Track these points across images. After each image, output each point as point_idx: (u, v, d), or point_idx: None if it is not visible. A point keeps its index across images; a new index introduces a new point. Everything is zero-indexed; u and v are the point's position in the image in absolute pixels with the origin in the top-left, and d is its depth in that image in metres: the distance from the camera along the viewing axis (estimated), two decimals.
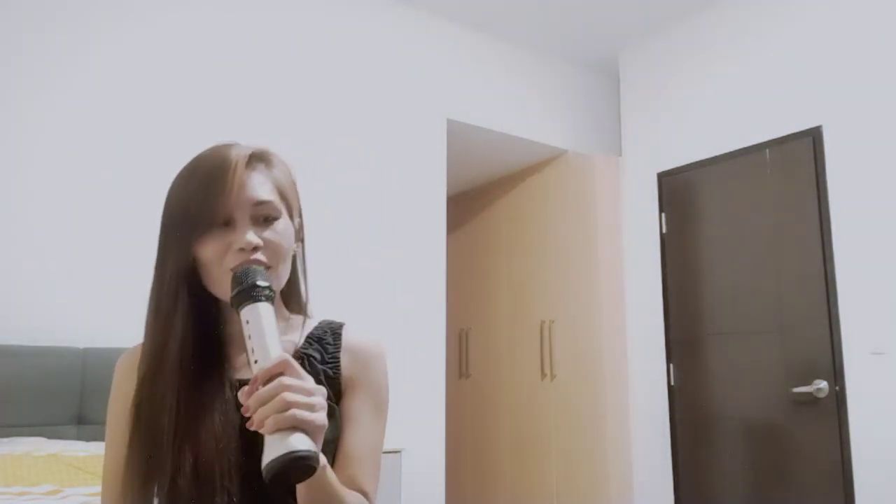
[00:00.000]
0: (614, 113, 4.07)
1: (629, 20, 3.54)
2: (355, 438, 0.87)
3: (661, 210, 3.50)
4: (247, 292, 0.74)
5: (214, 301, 0.86)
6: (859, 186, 2.72)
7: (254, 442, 0.73)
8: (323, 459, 0.73)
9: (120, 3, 2.60)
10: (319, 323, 0.96)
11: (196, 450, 0.79)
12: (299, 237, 0.94)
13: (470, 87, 3.54)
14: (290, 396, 0.66)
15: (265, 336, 0.71)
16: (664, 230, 3.48)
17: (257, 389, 0.68)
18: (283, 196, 0.89)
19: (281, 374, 0.68)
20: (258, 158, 0.89)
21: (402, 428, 2.77)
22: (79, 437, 2.10)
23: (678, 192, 3.45)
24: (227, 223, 0.83)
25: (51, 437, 2.01)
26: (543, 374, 3.80)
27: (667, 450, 3.30)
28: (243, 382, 0.75)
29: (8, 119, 2.33)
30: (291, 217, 0.91)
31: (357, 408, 0.89)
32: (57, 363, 2.15)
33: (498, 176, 4.32)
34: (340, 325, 0.95)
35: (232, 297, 0.75)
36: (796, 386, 2.81)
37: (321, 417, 0.68)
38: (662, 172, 3.51)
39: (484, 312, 4.31)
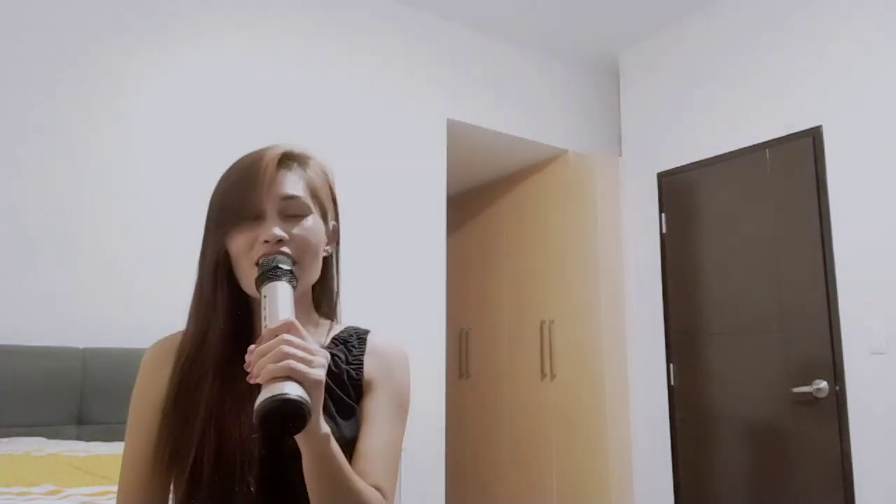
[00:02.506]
0: (614, 113, 4.07)
1: (629, 20, 3.54)
2: (371, 436, 0.89)
3: (661, 210, 3.50)
4: (268, 274, 0.79)
5: (248, 299, 0.90)
6: (859, 186, 2.72)
7: (276, 437, 0.78)
8: (326, 428, 0.75)
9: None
10: (346, 328, 0.99)
11: (221, 437, 0.82)
12: (333, 240, 0.97)
13: (470, 87, 3.54)
14: (287, 349, 0.69)
15: (277, 306, 0.75)
16: (664, 230, 3.47)
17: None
18: (314, 195, 0.92)
19: (285, 332, 0.71)
20: (292, 158, 0.92)
21: None
22: (79, 437, 2.10)
23: (678, 192, 3.45)
24: (257, 217, 0.86)
25: (51, 437, 2.01)
26: (543, 374, 3.79)
27: (667, 450, 3.30)
28: None
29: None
30: (325, 219, 0.93)
31: (376, 407, 0.92)
32: (57, 363, 2.15)
33: (498, 176, 4.32)
34: (366, 332, 0.99)
35: (255, 280, 0.80)
36: (796, 386, 2.81)
37: (318, 373, 0.70)
38: (662, 172, 3.51)
39: (484, 312, 4.31)
